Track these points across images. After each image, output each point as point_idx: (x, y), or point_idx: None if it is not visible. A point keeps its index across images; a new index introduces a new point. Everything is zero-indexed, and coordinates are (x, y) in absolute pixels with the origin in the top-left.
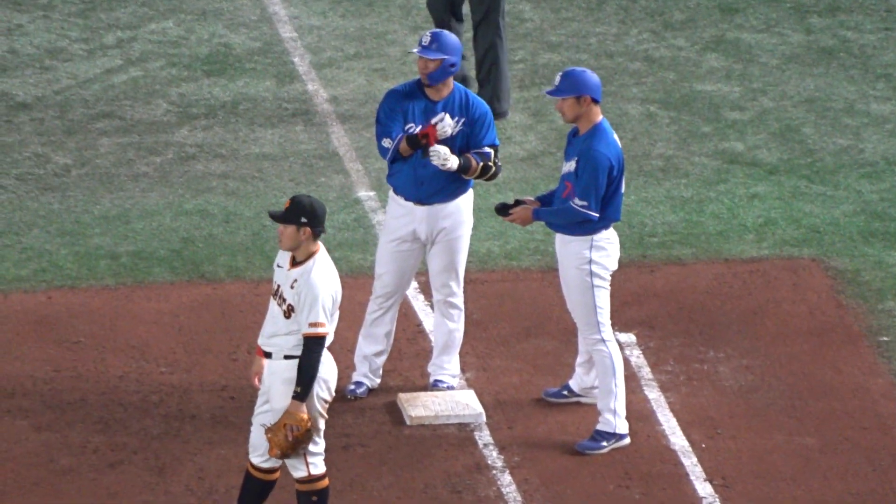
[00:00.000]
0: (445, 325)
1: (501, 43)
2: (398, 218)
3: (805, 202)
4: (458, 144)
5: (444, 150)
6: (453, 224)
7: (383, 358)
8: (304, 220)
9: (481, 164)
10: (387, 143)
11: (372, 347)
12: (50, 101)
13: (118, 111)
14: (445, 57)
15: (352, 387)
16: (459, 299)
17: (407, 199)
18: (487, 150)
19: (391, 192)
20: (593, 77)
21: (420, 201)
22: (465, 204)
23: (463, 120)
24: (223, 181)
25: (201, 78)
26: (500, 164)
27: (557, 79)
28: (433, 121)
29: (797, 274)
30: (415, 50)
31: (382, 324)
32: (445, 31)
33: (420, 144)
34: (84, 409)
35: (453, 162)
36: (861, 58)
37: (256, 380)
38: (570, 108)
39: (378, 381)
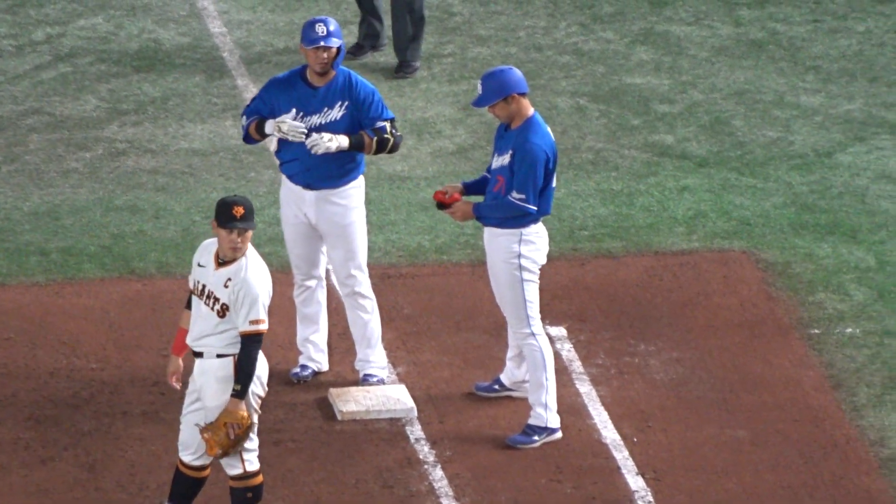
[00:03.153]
0: (360, 318)
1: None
2: (290, 204)
3: (735, 194)
4: (344, 128)
5: (323, 136)
6: (343, 210)
7: (322, 337)
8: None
9: (375, 138)
10: (244, 120)
11: (307, 329)
12: None
13: (47, 107)
14: (341, 42)
15: (296, 370)
16: (366, 288)
17: (296, 184)
18: (381, 124)
19: (283, 179)
20: (512, 73)
21: (309, 186)
22: (355, 191)
23: (347, 104)
24: (153, 177)
25: (131, 73)
26: (398, 133)
27: (479, 87)
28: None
29: (727, 266)
30: (321, 43)
31: (311, 304)
32: (327, 17)
33: (264, 134)
34: (14, 405)
35: (342, 141)
36: (790, 50)
37: (174, 380)
38: (501, 110)
39: (325, 364)
